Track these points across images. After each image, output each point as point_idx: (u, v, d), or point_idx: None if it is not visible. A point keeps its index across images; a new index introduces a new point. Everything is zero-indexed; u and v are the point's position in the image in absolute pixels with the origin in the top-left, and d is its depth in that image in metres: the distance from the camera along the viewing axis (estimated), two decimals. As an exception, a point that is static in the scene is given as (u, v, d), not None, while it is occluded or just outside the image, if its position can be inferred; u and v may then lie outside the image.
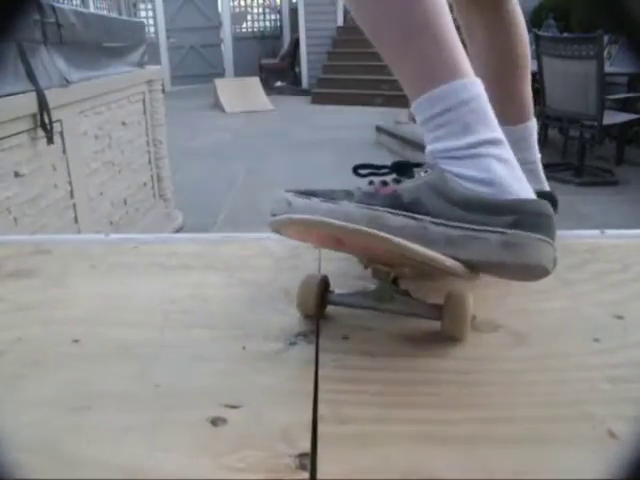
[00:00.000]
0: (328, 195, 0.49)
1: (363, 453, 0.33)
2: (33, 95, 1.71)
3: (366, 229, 0.39)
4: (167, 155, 3.13)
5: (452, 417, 0.36)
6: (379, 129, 5.31)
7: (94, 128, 2.25)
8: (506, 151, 0.46)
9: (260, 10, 10.68)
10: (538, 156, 0.72)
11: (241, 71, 9.76)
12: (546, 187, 0.70)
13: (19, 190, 1.69)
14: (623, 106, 4.26)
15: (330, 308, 0.49)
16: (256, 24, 10.67)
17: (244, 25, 10.73)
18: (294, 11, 9.29)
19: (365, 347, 0.44)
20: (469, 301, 0.43)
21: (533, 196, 0.44)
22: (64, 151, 1.96)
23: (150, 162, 2.96)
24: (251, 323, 0.48)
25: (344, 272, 0.56)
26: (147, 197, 2.91)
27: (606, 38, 4.05)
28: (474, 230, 0.41)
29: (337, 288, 0.52)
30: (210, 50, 10.46)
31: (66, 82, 1.94)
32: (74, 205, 2.04)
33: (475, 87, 0.47)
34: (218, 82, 8.23)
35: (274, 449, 0.33)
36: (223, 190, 4.01)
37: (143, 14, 9.80)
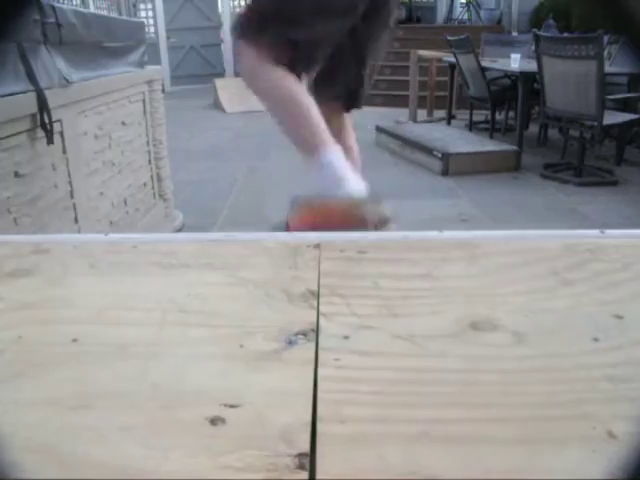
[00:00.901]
0: None
1: (363, 453, 0.33)
2: (33, 95, 1.71)
3: None
4: (167, 155, 3.13)
5: (452, 417, 0.36)
6: (379, 129, 5.31)
7: (94, 128, 2.25)
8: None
9: (260, 10, 10.65)
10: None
11: (241, 71, 9.73)
12: None
13: (19, 190, 1.68)
14: (623, 106, 4.26)
15: (330, 308, 0.49)
16: (256, 24, 10.65)
17: (244, 25, 10.70)
18: (294, 11, 9.27)
19: (365, 347, 0.44)
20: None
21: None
22: (64, 151, 1.96)
23: (150, 162, 2.96)
24: (250, 322, 0.47)
25: (344, 272, 0.56)
26: (147, 197, 2.91)
27: (606, 38, 4.05)
28: None
29: (337, 288, 0.52)
30: (210, 50, 10.45)
31: (66, 82, 1.94)
32: (74, 205, 2.03)
33: (335, 150, 1.06)
34: (218, 82, 8.23)
35: (273, 449, 0.33)
36: (223, 190, 4.01)
37: (143, 14, 9.80)
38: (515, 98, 4.90)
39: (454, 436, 0.34)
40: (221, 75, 9.84)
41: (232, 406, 0.37)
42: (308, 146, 1.12)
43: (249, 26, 1.26)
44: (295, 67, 1.21)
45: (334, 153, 1.05)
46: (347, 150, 1.37)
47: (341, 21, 1.32)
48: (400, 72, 7.25)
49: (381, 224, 0.95)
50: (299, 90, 1.19)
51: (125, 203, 2.58)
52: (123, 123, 2.58)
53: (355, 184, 1.01)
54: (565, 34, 5.30)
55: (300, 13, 1.21)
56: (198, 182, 4.23)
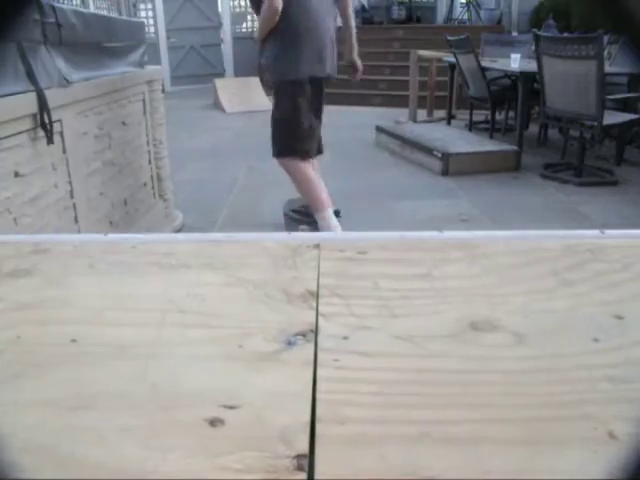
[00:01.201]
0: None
1: (362, 454, 0.33)
2: (33, 95, 1.71)
3: None
4: (167, 155, 3.13)
5: (452, 417, 0.36)
6: (379, 129, 5.31)
7: (94, 128, 2.25)
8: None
9: (260, 10, 10.66)
10: None
11: (241, 71, 9.76)
12: None
13: (19, 190, 1.68)
14: (623, 106, 4.26)
15: (329, 309, 0.49)
16: (256, 24, 10.66)
17: (244, 25, 10.73)
18: (294, 11, 9.27)
19: (365, 347, 0.44)
20: None
21: None
22: (64, 151, 1.96)
23: (150, 162, 2.96)
24: (250, 323, 0.47)
25: (344, 272, 0.56)
26: (147, 197, 2.91)
27: (606, 38, 4.05)
28: None
29: (337, 288, 0.52)
30: (210, 50, 10.46)
31: (66, 82, 1.94)
32: (74, 205, 2.03)
33: (330, 210, 2.70)
34: (218, 82, 8.24)
35: (272, 450, 0.33)
36: (223, 190, 4.01)
37: (143, 14, 9.80)
38: (515, 98, 4.90)
39: (454, 437, 0.34)
40: (221, 75, 9.86)
41: (231, 407, 0.37)
42: (318, 206, 2.68)
43: (282, 146, 2.72)
44: (310, 157, 2.76)
45: (331, 213, 2.66)
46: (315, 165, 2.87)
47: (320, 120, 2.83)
48: (400, 72, 7.26)
49: None
50: (313, 174, 2.73)
51: (125, 203, 2.58)
52: (123, 123, 2.58)
53: (339, 231, 1.97)
54: (565, 34, 5.30)
55: (304, 133, 2.70)
56: (198, 182, 4.23)
